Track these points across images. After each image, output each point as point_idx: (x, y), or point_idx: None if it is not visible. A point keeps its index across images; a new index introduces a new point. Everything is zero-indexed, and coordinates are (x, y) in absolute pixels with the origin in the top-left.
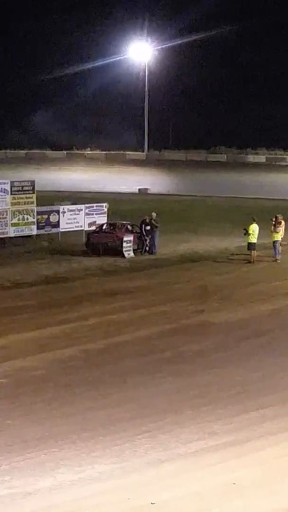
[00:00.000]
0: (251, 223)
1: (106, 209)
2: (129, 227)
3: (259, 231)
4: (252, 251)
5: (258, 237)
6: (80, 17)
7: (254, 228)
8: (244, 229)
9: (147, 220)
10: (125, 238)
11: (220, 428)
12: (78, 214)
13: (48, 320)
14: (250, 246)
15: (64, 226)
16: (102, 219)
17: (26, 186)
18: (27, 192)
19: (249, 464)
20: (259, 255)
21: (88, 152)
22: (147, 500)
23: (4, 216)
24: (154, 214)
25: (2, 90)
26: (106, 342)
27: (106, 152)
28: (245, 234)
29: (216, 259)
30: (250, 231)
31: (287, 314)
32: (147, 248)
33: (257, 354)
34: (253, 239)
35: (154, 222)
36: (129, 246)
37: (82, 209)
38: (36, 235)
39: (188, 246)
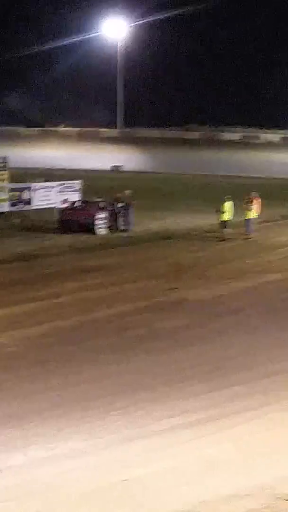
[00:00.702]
0: (225, 201)
1: (79, 187)
2: (101, 204)
3: (233, 209)
4: (225, 229)
5: (233, 214)
6: None
7: (228, 206)
8: (216, 209)
9: (120, 197)
10: (97, 216)
11: (193, 405)
12: (51, 191)
13: (19, 297)
14: (222, 224)
15: (37, 203)
16: (75, 197)
17: None
18: (0, 169)
19: (222, 441)
20: (232, 233)
21: (61, 129)
22: (119, 477)
23: None
24: (128, 192)
25: None
26: (79, 319)
27: (80, 129)
28: (216, 211)
29: (190, 237)
30: (224, 209)
31: (261, 291)
32: (122, 226)
33: (231, 331)
34: (227, 216)
35: (127, 200)
36: (102, 224)
37: (54, 186)
38: (8, 212)
39: (162, 224)
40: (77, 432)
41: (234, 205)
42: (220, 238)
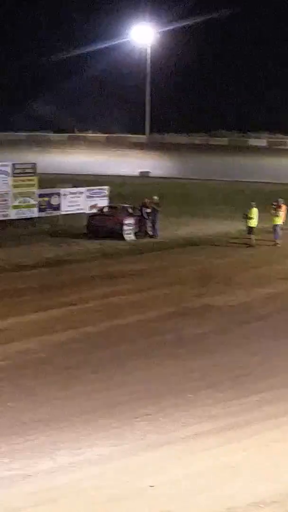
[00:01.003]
0: (252, 208)
1: (107, 192)
2: (130, 210)
3: (260, 215)
4: (252, 235)
5: (259, 221)
6: (82, 0)
7: (254, 212)
8: (244, 214)
9: (148, 203)
10: (125, 221)
11: (220, 412)
12: (79, 197)
13: (48, 302)
14: (250, 230)
15: (65, 208)
16: (103, 202)
17: (28, 168)
18: (29, 174)
19: (248, 447)
20: (259, 239)
21: (90, 135)
22: (145, 482)
23: (6, 198)
24: (155, 198)
25: (4, 73)
26: (107, 325)
27: (107, 135)
28: (244, 218)
29: (217, 243)
30: (252, 215)
31: (287, 298)
32: (149, 232)
33: (257, 337)
34: (253, 223)
35: (155, 206)
36: (130, 229)
37: (83, 192)
38: (37, 217)
39: (189, 230)
40: (104, 437)
41: (260, 211)
42: (248, 244)
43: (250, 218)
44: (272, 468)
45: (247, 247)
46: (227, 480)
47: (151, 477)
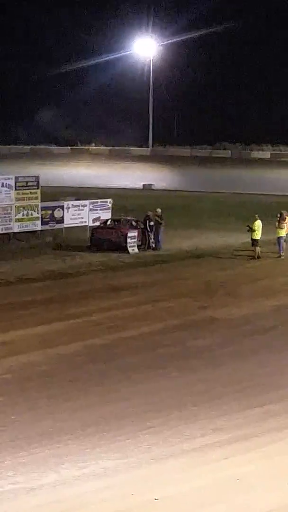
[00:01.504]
0: (255, 220)
1: (110, 205)
2: (133, 222)
3: (263, 227)
4: (256, 247)
5: (262, 233)
6: (85, 12)
7: (258, 224)
8: (248, 226)
9: (151, 216)
10: (129, 234)
11: (225, 424)
12: (82, 209)
13: (52, 315)
14: (254, 242)
15: (68, 221)
16: (106, 215)
17: (31, 181)
18: (32, 187)
19: (254, 460)
20: (263, 251)
21: (93, 147)
22: (151, 495)
23: (9, 211)
24: (159, 210)
25: (6, 85)
26: (111, 338)
27: (110, 147)
28: (248, 230)
29: (220, 255)
30: (255, 228)
31: None
32: (152, 244)
33: (262, 350)
34: (257, 235)
35: (158, 218)
36: (133, 242)
37: (86, 205)
38: (40, 230)
39: (193, 242)
40: (109, 451)
41: (264, 223)
42: (251, 256)
43: (254, 231)
44: (278, 480)
45: (250, 259)
46: (232, 493)
47: (156, 490)
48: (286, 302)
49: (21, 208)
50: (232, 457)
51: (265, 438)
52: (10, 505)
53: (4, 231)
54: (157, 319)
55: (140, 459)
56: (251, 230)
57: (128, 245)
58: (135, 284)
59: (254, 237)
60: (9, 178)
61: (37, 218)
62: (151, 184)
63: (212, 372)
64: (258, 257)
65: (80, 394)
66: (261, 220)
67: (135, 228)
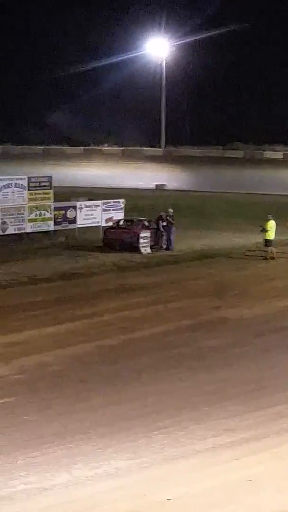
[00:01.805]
0: (268, 220)
1: (123, 205)
2: (145, 223)
3: (276, 228)
4: (270, 248)
5: (275, 233)
6: (97, 13)
7: (271, 225)
8: (261, 226)
9: (164, 216)
10: (141, 234)
11: (236, 425)
12: (95, 210)
13: (64, 315)
14: (268, 242)
15: (81, 222)
16: (119, 215)
17: (43, 182)
18: (44, 188)
19: (265, 460)
20: (275, 252)
21: (105, 148)
22: (163, 496)
23: (22, 212)
24: (170, 210)
25: (19, 85)
26: (123, 338)
27: (123, 148)
28: (261, 231)
29: (233, 255)
30: (268, 228)
31: None
32: (164, 244)
33: (273, 350)
34: (271, 235)
35: (169, 219)
36: (146, 242)
37: (99, 205)
38: (53, 231)
39: (205, 242)
40: (121, 451)
41: (276, 223)
42: (263, 256)
43: (267, 231)
44: None
45: (263, 259)
46: (244, 493)
47: (168, 490)
48: None
49: (34, 209)
50: (244, 457)
51: (276, 439)
52: (23, 505)
53: (17, 231)
54: (169, 320)
55: (152, 459)
56: (264, 230)
57: (141, 245)
58: (147, 285)
59: (267, 238)
60: (22, 179)
61: (50, 219)
62: (163, 185)
63: (224, 372)
64: (272, 258)
65: (92, 394)
66: (274, 221)
67: (148, 228)
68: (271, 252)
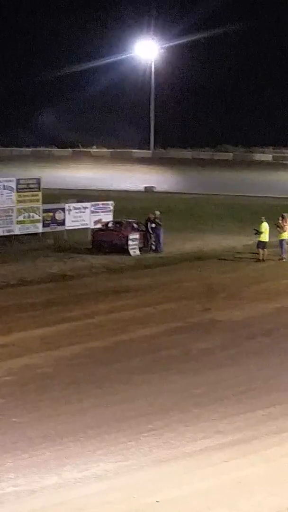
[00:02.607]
0: (262, 222)
1: (112, 207)
2: (134, 225)
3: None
4: (262, 250)
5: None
6: (86, 14)
7: (265, 227)
8: (255, 229)
9: (152, 218)
10: (130, 236)
11: (226, 427)
12: (84, 212)
13: (53, 318)
14: (260, 244)
15: (70, 224)
16: (108, 217)
17: (32, 183)
18: (33, 189)
19: (255, 462)
20: (266, 254)
21: (94, 150)
22: (152, 498)
23: (10, 213)
24: (157, 213)
25: (7, 87)
26: (112, 340)
27: (112, 150)
28: (255, 233)
29: (222, 258)
30: (262, 230)
31: None
32: (153, 246)
33: (263, 352)
34: (265, 237)
35: (157, 221)
36: (135, 244)
37: (87, 207)
38: (41, 233)
39: (194, 244)
40: (110, 453)
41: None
42: (256, 258)
43: (261, 233)
44: (280, 483)
45: (256, 261)
46: (234, 496)
47: (158, 492)
48: None
49: (23, 210)
50: (233, 460)
51: (267, 441)
52: (12, 508)
53: (5, 233)
54: (159, 322)
55: (142, 461)
56: (258, 233)
57: (130, 247)
58: (137, 287)
59: (261, 239)
60: (10, 180)
61: (38, 221)
62: (152, 187)
63: (214, 374)
64: (263, 260)
65: (81, 396)
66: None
67: (137, 230)
68: (263, 254)
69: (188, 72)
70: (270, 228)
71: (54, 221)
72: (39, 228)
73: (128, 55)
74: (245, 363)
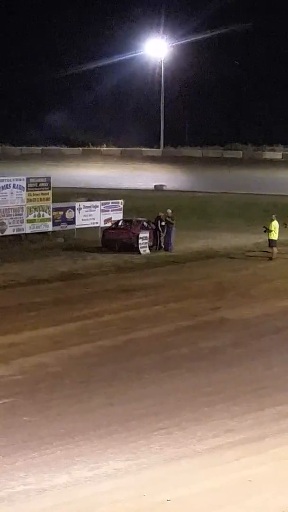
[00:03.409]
0: (272, 220)
1: (121, 206)
2: (144, 223)
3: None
4: (273, 248)
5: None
6: (95, 13)
7: (275, 225)
8: (264, 227)
9: (162, 217)
10: (140, 235)
11: (236, 425)
12: (94, 210)
13: (63, 316)
14: (271, 242)
15: (80, 222)
16: (118, 216)
17: (42, 182)
18: (43, 188)
19: (265, 461)
20: (276, 252)
21: (104, 148)
22: (162, 496)
23: (20, 212)
24: (169, 211)
25: (18, 86)
26: (122, 339)
27: (122, 148)
28: (265, 231)
29: (232, 256)
30: (272, 228)
31: None
32: (162, 245)
33: (273, 351)
34: (274, 235)
35: (169, 219)
36: (145, 243)
37: (97, 206)
38: (52, 231)
39: (204, 243)
40: (120, 452)
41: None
42: (268, 257)
43: (271, 231)
44: None
45: (268, 260)
46: (244, 494)
47: (168, 491)
48: None
49: (33, 209)
50: (244, 458)
51: (277, 439)
52: (22, 506)
53: (15, 232)
54: (169, 320)
55: (152, 460)
56: (268, 231)
57: (140, 246)
58: (147, 285)
59: (271, 238)
60: (20, 179)
61: (48, 219)
62: (162, 185)
63: (224, 373)
64: (270, 258)
65: (91, 395)
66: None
67: (147, 229)
68: (274, 253)
69: (198, 70)
70: (279, 227)
71: (64, 219)
72: (49, 227)
73: (138, 53)
74: (255, 361)
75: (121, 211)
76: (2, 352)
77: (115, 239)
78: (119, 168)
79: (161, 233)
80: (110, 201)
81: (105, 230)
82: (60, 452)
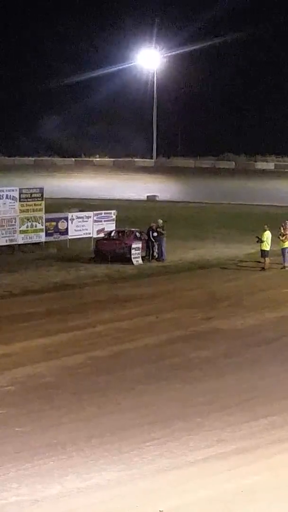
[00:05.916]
0: (264, 230)
1: (114, 216)
2: (137, 234)
3: (271, 238)
4: (265, 258)
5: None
6: (88, 24)
7: (267, 235)
8: (257, 237)
9: (154, 227)
10: (133, 245)
11: (229, 435)
12: (87, 221)
13: (56, 327)
14: (264, 253)
15: (73, 233)
16: (111, 226)
17: (35, 193)
18: (36, 199)
19: (258, 471)
20: (268, 262)
21: (97, 159)
22: (155, 507)
23: (13, 223)
24: (160, 221)
25: (10, 96)
26: (115, 349)
27: (115, 159)
28: (257, 241)
29: (225, 266)
30: (264, 239)
31: None
32: (155, 255)
33: (266, 361)
34: (267, 246)
35: (160, 230)
36: (138, 253)
37: (90, 216)
38: (44, 242)
39: (197, 253)
40: (113, 462)
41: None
42: (261, 267)
43: (263, 241)
44: (283, 492)
45: (260, 270)
46: (237, 505)
47: (161, 501)
48: None
49: (26, 220)
50: (237, 468)
51: (270, 449)
52: None
53: (8, 243)
54: (161, 331)
55: (145, 470)
56: (261, 241)
57: (132, 256)
58: (140, 296)
59: (263, 248)
60: (13, 190)
61: (41, 230)
62: (155, 196)
63: (217, 383)
64: (263, 269)
65: (84, 405)
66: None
67: (139, 239)
68: (266, 263)
69: (190, 81)
70: (272, 237)
71: (57, 230)
72: (42, 238)
73: (130, 64)
74: (248, 371)
75: (114, 222)
76: None
77: (108, 250)
78: (111, 178)
79: (154, 244)
80: (103, 212)
81: (98, 241)
82: (53, 463)
